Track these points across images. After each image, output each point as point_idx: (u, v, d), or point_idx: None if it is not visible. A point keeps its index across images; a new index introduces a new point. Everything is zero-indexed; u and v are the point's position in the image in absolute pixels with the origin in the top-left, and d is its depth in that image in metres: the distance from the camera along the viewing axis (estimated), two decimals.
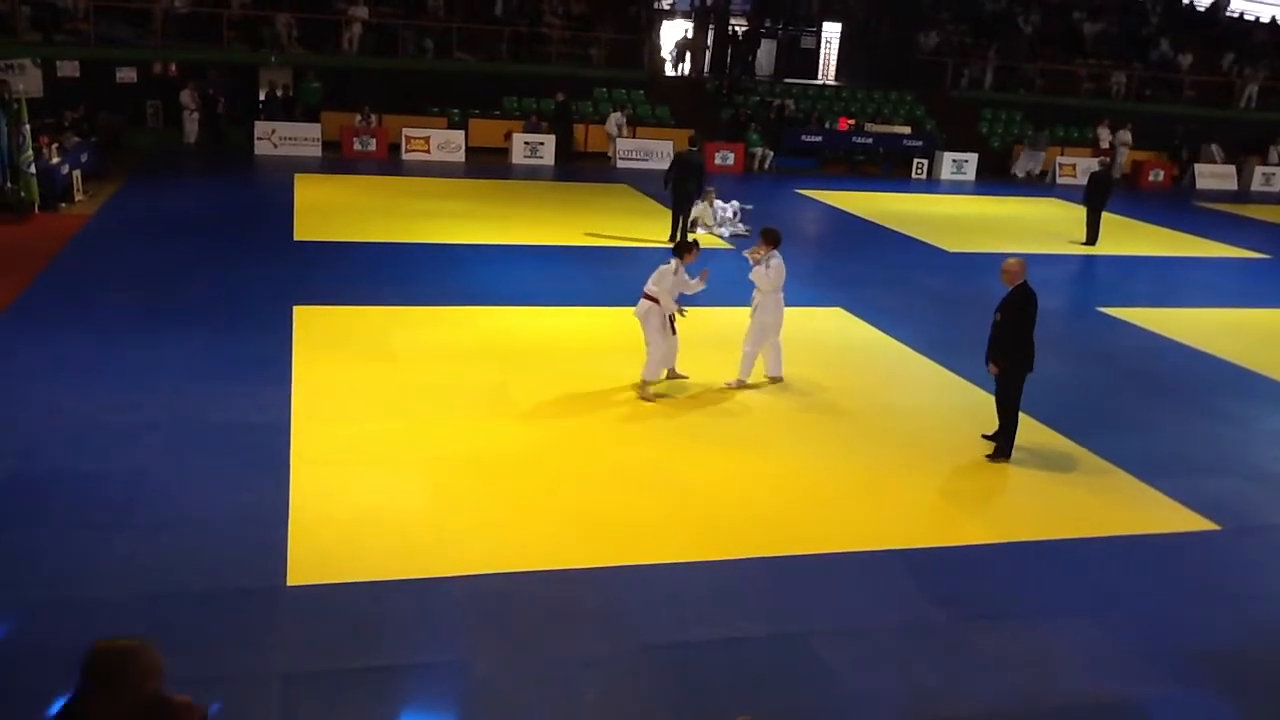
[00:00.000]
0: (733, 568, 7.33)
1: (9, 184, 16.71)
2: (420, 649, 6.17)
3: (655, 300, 10.26)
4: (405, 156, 25.34)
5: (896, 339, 13.00)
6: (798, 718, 5.80)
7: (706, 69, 32.42)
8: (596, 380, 10.73)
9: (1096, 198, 20.53)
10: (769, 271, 10.63)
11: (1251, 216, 26.30)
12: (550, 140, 26.30)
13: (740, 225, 19.04)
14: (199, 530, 7.25)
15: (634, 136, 27.25)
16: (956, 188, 27.94)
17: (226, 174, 22.09)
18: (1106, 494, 8.99)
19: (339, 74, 26.39)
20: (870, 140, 29.19)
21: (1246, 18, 39.14)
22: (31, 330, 11.23)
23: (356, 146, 25.10)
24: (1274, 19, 38.90)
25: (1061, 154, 30.55)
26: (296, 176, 21.55)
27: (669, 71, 32.19)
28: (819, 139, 29.00)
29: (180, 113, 24.59)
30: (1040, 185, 29.35)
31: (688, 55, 32.64)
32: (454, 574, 6.94)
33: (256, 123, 24.71)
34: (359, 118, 25.23)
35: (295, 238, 16.40)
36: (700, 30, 32.77)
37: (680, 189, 17.80)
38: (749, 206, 19.78)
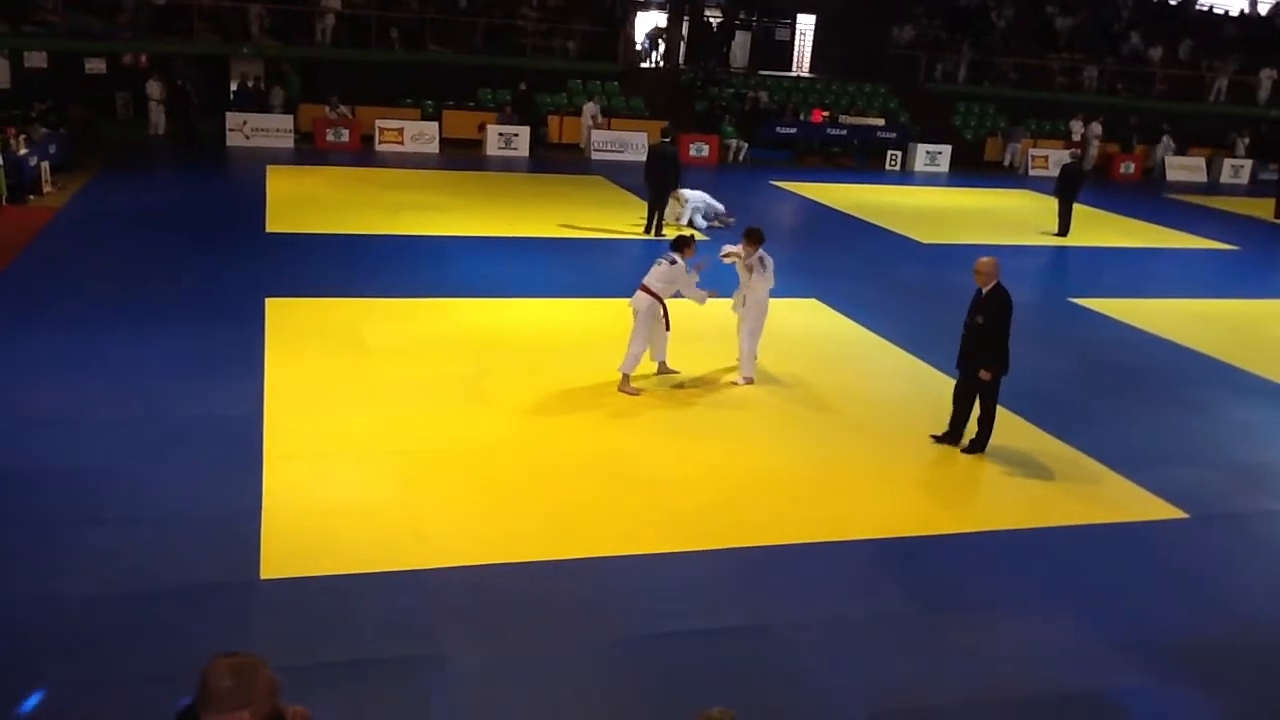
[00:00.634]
0: (708, 559, 7.35)
1: None
2: (395, 642, 6.15)
3: (657, 297, 10.24)
4: (379, 148, 25.22)
5: (871, 330, 13.07)
6: (774, 710, 5.83)
7: (681, 61, 32.40)
8: (572, 372, 10.73)
9: (1068, 189, 20.70)
10: (765, 272, 10.67)
11: (1220, 208, 26.58)
12: (525, 131, 26.23)
13: (704, 220, 18.84)
14: (172, 525, 7.21)
15: (609, 128, 27.22)
16: (930, 180, 28.08)
17: (198, 166, 21.91)
18: (1077, 483, 9.08)
19: (312, 65, 26.20)
20: (845, 132, 29.30)
21: (1216, 11, 39.50)
22: None
23: (329, 138, 24.94)
24: (1242, 12, 39.30)
25: (1034, 146, 30.79)
26: (269, 168, 21.39)
27: (643, 63, 32.14)
28: (793, 131, 29.09)
29: (147, 104, 24.36)
30: (1013, 177, 29.56)
31: (661, 44, 32.60)
32: (429, 566, 6.93)
33: (228, 114, 24.50)
34: (328, 109, 25.07)
35: (267, 229, 16.28)
36: (674, 21, 32.74)
37: (656, 181, 17.80)
38: (723, 209, 19.54)
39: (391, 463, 8.44)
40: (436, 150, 25.62)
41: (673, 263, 10.32)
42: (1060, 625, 6.85)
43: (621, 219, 18.88)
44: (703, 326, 11.66)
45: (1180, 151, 32.01)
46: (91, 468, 7.97)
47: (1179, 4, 39.18)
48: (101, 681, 5.63)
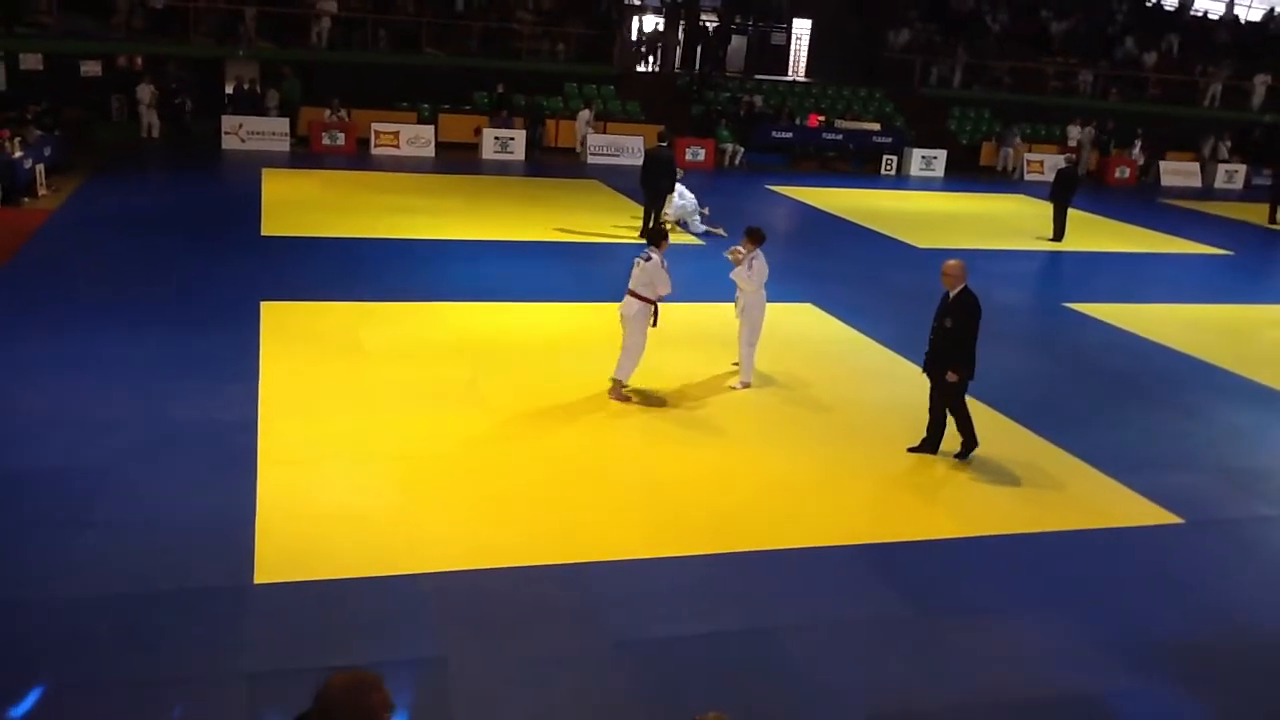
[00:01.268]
0: (703, 563, 7.34)
1: None
2: (389, 647, 6.13)
3: (645, 300, 10.12)
4: (374, 151, 25.20)
5: (866, 335, 13.07)
6: (769, 713, 5.82)
7: (677, 65, 32.42)
8: (567, 376, 10.72)
9: (1063, 194, 20.74)
10: (751, 272, 10.64)
11: (1214, 213, 26.64)
12: (520, 135, 26.24)
13: (700, 222, 18.86)
14: (165, 528, 7.18)
15: (604, 132, 27.23)
16: (925, 184, 28.11)
17: (193, 169, 21.87)
18: (1071, 488, 9.09)
19: (308, 68, 26.19)
20: (840, 137, 29.33)
21: (1211, 16, 39.61)
22: None
23: (325, 141, 24.92)
24: (1236, 18, 39.41)
25: (1029, 151, 30.85)
26: (264, 171, 21.37)
27: (639, 67, 32.17)
28: (789, 135, 29.10)
29: (138, 107, 24.33)
30: (1008, 181, 29.60)
31: (658, 49, 32.64)
32: (423, 571, 6.91)
33: (223, 117, 24.48)
34: (328, 112, 25.06)
35: (263, 233, 16.26)
36: (670, 26, 32.78)
37: (652, 185, 17.80)
38: (707, 211, 19.54)
39: (386, 467, 8.42)
40: (432, 153, 25.61)
41: (647, 259, 10.10)
42: (1055, 629, 6.85)
43: (618, 223, 18.88)
44: (701, 331, 11.66)
45: (1143, 154, 31.99)
46: (84, 470, 7.94)
47: (1175, 10, 39.26)
48: (93, 685, 5.60)
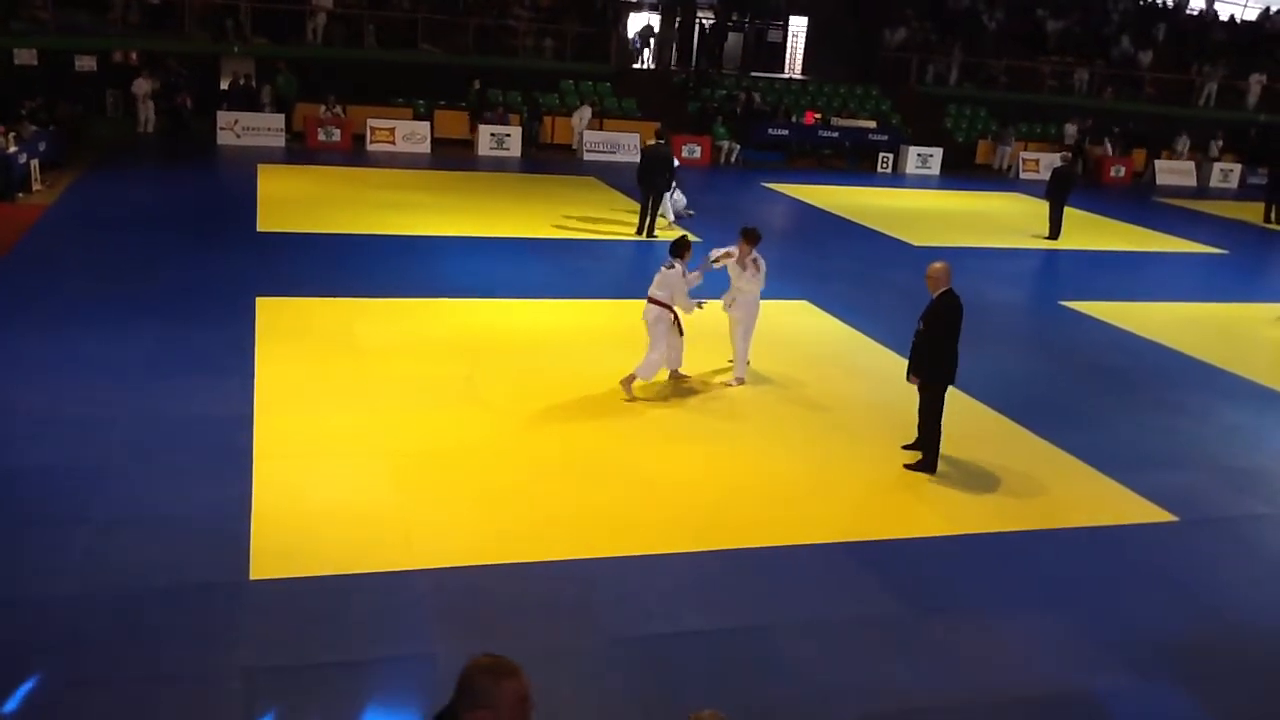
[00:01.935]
0: (697, 560, 7.35)
1: None
2: (385, 643, 6.14)
3: (666, 306, 10.20)
4: (370, 147, 25.17)
5: (861, 332, 13.08)
6: (766, 711, 5.83)
7: (673, 62, 32.40)
8: (563, 373, 10.72)
9: (1059, 193, 20.75)
10: (758, 274, 10.67)
11: (1209, 212, 26.68)
12: (516, 132, 26.22)
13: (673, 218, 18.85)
14: (160, 525, 7.17)
15: (601, 129, 27.21)
16: (922, 182, 28.13)
17: (188, 164, 21.83)
18: (1065, 486, 9.10)
19: (304, 64, 26.14)
20: (836, 134, 29.33)
21: (1204, 7, 39.62)
22: None
23: (321, 137, 24.88)
24: (1233, 17, 39.44)
25: (1025, 149, 30.88)
26: (260, 167, 21.33)
27: (635, 64, 32.14)
28: (785, 133, 29.10)
29: (135, 102, 24.27)
30: (1004, 180, 29.63)
31: (651, 43, 32.61)
32: (419, 567, 6.91)
33: (219, 113, 24.44)
34: (323, 108, 25.01)
35: (258, 228, 16.23)
36: (667, 23, 32.75)
37: (649, 182, 17.78)
38: (691, 212, 19.57)
39: (382, 463, 8.41)
40: (428, 150, 25.58)
41: (670, 267, 10.26)
42: (1048, 626, 6.86)
43: (614, 220, 18.87)
44: (694, 328, 11.63)
45: (1116, 152, 31.95)
46: (79, 466, 7.93)
47: (1171, 9, 39.29)
48: (90, 681, 5.59)
